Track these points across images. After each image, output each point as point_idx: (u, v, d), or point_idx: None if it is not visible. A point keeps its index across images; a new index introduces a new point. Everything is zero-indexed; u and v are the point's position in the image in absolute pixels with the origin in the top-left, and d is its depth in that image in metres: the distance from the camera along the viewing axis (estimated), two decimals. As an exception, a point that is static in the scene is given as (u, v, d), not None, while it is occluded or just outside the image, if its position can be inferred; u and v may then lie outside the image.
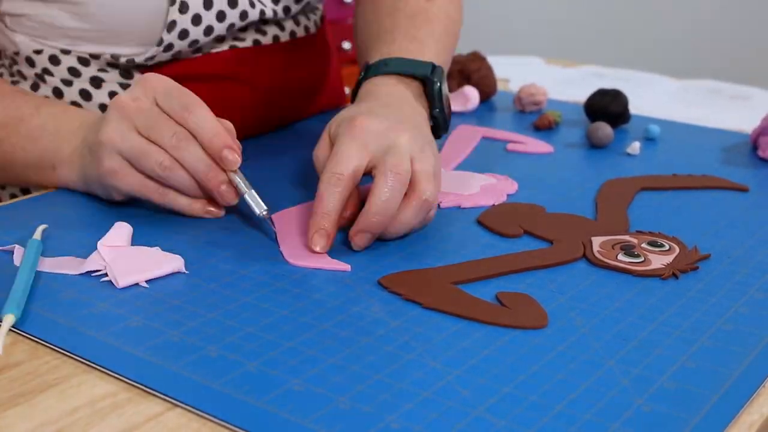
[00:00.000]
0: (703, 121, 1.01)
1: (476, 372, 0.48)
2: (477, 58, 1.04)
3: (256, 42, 0.87)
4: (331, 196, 0.61)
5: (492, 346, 0.51)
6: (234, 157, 0.65)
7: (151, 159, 0.65)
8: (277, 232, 0.65)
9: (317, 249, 0.61)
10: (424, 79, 0.75)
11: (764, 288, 0.59)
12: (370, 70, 0.76)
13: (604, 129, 0.88)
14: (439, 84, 0.74)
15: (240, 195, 0.66)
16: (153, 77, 0.67)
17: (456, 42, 0.87)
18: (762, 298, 0.58)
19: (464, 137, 0.91)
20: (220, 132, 0.65)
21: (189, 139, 0.65)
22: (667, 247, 0.64)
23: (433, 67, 0.75)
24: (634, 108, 1.00)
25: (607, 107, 0.93)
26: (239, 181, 0.66)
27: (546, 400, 0.46)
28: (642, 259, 0.62)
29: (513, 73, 1.23)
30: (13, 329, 0.52)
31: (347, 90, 1.03)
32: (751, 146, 0.89)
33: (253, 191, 0.66)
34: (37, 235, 0.62)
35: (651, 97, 1.13)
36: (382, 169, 0.62)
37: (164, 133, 0.64)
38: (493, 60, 1.13)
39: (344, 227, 0.64)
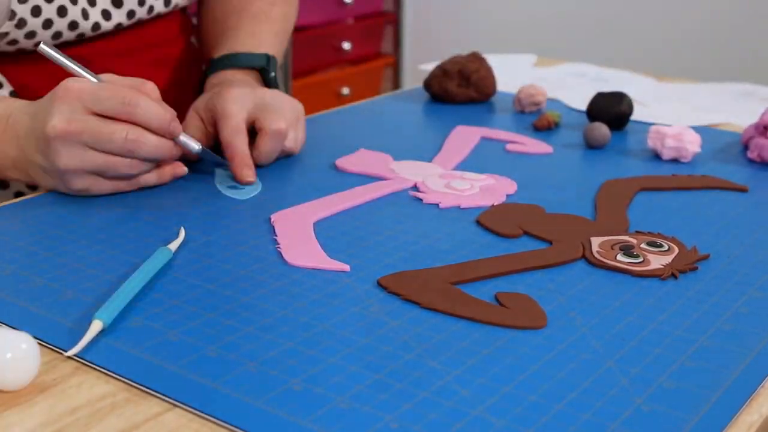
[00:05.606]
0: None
1: (475, 372, 0.48)
2: (476, 59, 1.04)
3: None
4: (242, 142, 0.76)
5: (491, 346, 0.51)
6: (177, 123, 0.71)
7: (116, 136, 0.67)
8: (277, 232, 0.65)
9: (250, 179, 0.74)
10: (261, 69, 0.89)
11: (763, 288, 0.59)
12: (217, 65, 0.88)
13: (600, 129, 0.88)
14: (273, 73, 0.89)
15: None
16: (70, 86, 0.67)
17: (287, 38, 1.01)
18: (761, 298, 0.58)
19: (463, 137, 0.91)
20: (162, 113, 0.69)
21: (140, 131, 0.68)
22: (666, 248, 0.64)
23: (268, 58, 0.89)
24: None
25: (610, 109, 0.93)
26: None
27: (545, 400, 0.46)
28: (641, 259, 0.62)
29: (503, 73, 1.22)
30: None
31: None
32: (742, 147, 0.89)
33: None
34: (173, 245, 0.61)
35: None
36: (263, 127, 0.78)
37: (115, 138, 0.67)
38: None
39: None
